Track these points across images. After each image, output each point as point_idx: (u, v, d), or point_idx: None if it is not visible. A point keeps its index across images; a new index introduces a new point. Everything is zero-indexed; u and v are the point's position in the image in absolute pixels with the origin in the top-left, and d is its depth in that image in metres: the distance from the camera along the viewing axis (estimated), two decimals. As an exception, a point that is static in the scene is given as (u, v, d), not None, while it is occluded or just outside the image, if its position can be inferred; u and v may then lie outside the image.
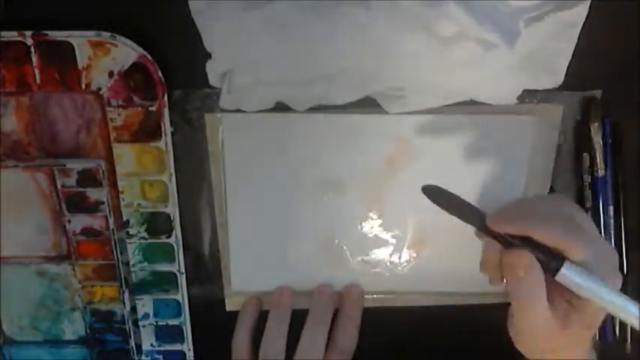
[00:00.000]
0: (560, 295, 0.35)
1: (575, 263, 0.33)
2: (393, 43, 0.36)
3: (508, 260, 0.35)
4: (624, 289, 0.43)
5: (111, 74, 0.38)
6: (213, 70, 0.37)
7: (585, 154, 0.41)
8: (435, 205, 0.37)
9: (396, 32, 0.35)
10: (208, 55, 0.37)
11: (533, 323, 0.35)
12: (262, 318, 0.43)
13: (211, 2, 0.35)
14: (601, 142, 0.41)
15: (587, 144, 0.41)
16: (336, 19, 0.35)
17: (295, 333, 0.42)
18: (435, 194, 0.37)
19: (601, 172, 0.41)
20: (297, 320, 0.43)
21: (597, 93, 0.40)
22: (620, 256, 0.43)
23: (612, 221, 0.42)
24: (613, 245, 0.43)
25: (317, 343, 0.40)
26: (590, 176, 0.41)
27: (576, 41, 0.37)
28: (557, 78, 0.38)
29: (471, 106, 0.40)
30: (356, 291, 0.44)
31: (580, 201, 0.42)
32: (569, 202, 0.37)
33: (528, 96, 0.39)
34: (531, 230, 0.34)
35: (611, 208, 0.42)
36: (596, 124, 0.40)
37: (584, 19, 0.36)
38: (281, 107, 0.39)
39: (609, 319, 0.44)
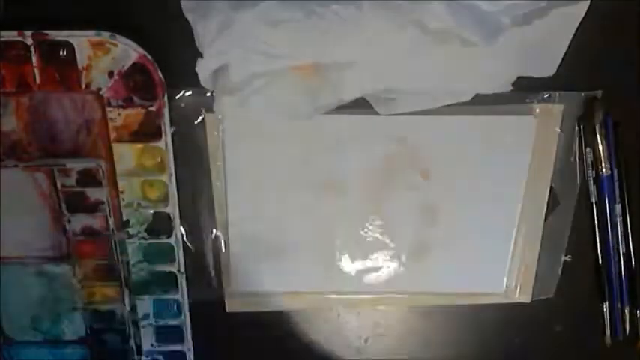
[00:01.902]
0: None
1: None
2: (383, 42, 0.36)
3: None
4: (633, 288, 0.43)
5: (111, 74, 0.38)
6: (203, 70, 0.37)
7: (589, 149, 0.41)
8: (433, 208, 0.39)
9: (385, 31, 0.35)
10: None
11: None
12: (268, 319, 0.43)
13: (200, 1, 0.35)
14: (605, 142, 0.41)
15: (590, 141, 0.41)
16: (327, 18, 0.35)
17: (295, 334, 0.42)
18: None
19: (606, 172, 0.41)
20: (298, 320, 0.43)
21: (597, 93, 0.40)
22: (628, 255, 0.43)
23: (620, 220, 0.42)
24: (621, 244, 0.43)
25: None
26: (594, 171, 0.41)
27: (574, 31, 0.37)
28: (552, 66, 0.38)
29: (470, 106, 0.40)
30: None
31: (585, 197, 0.42)
32: None
33: (529, 96, 0.39)
34: None
35: (619, 206, 0.42)
36: (599, 123, 0.40)
37: (584, 12, 0.36)
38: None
39: (619, 316, 0.44)
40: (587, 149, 0.41)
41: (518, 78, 0.38)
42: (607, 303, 0.44)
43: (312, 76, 0.37)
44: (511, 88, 0.38)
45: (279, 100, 0.38)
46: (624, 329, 0.45)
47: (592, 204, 0.42)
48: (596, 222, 0.43)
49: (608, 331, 0.45)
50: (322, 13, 0.35)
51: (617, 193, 0.42)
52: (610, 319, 0.45)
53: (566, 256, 0.44)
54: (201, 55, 0.37)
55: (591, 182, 0.42)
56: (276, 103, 0.38)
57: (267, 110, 0.39)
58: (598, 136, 0.40)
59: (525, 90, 0.39)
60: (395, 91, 0.38)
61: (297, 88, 0.37)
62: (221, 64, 0.37)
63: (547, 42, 0.37)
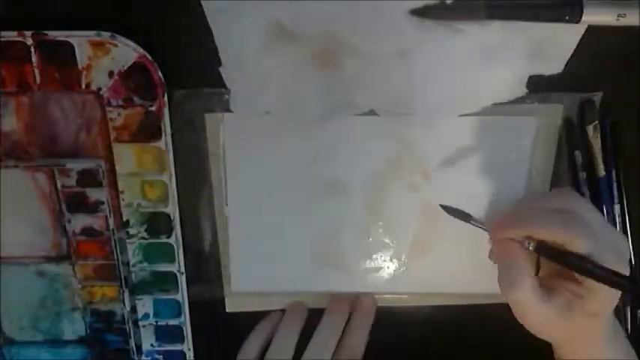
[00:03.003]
0: (563, 287, 0.36)
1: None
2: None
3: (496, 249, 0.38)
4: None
5: (111, 74, 0.38)
6: (227, 75, 0.38)
7: (577, 152, 0.41)
8: (438, 209, 0.41)
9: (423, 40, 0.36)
10: (212, 57, 0.37)
11: (519, 305, 0.36)
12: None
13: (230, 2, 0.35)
14: (600, 143, 0.41)
15: (588, 142, 0.41)
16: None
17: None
18: (450, 210, 0.41)
19: (601, 173, 0.41)
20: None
21: (597, 95, 0.40)
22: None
23: (619, 220, 0.42)
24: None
25: (327, 344, 0.41)
26: (585, 173, 0.41)
27: (583, 32, 0.37)
28: (560, 64, 0.38)
29: (471, 106, 0.40)
30: (368, 300, 0.44)
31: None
32: (571, 194, 0.38)
33: (529, 96, 0.39)
34: (531, 230, 0.35)
35: (618, 207, 0.42)
36: (592, 125, 0.40)
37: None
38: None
39: (623, 315, 0.44)
40: (585, 150, 0.41)
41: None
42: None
43: (330, 67, 0.37)
44: (526, 90, 0.38)
45: (291, 97, 0.38)
46: (625, 329, 0.45)
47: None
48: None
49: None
50: (361, 6, 0.35)
51: (615, 193, 0.42)
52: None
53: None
54: (205, 56, 0.37)
55: (590, 183, 0.42)
56: (288, 101, 0.38)
57: (278, 109, 0.39)
58: (595, 137, 0.40)
59: (526, 91, 0.39)
60: (408, 106, 0.38)
61: (312, 83, 0.38)
62: (243, 56, 0.37)
63: (555, 38, 0.37)
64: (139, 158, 0.40)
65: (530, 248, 0.36)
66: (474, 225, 0.40)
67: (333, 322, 0.42)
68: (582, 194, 0.42)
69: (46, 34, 0.36)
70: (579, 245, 0.34)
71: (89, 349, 0.46)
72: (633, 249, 0.43)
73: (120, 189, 0.41)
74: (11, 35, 0.36)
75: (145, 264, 0.43)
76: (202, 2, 0.36)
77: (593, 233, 0.34)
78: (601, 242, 0.34)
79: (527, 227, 0.36)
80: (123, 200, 0.41)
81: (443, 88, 0.38)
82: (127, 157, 0.40)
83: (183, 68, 0.39)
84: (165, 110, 0.39)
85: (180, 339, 0.45)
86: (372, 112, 0.40)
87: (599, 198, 0.42)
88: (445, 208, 0.41)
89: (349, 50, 0.37)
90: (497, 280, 0.37)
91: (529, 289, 0.35)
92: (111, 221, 0.41)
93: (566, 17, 0.35)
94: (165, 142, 0.39)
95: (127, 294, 0.44)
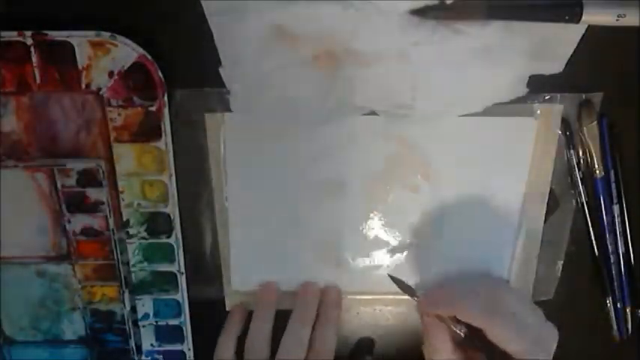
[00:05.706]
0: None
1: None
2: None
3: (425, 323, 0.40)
4: (634, 288, 0.43)
5: (111, 74, 0.38)
6: (227, 75, 0.38)
7: (572, 151, 0.41)
8: (433, 209, 0.41)
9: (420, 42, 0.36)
10: (212, 57, 0.37)
11: None
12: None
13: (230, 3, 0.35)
14: (598, 144, 0.41)
15: (585, 142, 0.41)
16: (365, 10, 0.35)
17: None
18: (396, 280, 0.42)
19: (599, 174, 0.41)
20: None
21: (597, 95, 0.40)
22: (628, 255, 0.43)
23: (618, 220, 0.42)
24: (620, 245, 0.43)
25: (300, 342, 0.40)
26: (579, 171, 0.41)
27: (584, 32, 0.37)
28: (560, 64, 0.38)
29: (471, 106, 0.40)
30: (334, 292, 0.44)
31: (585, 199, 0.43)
32: (493, 280, 0.40)
33: (529, 97, 0.39)
34: (455, 310, 0.37)
35: (617, 207, 0.42)
36: (589, 126, 0.40)
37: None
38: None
39: (622, 316, 0.45)
40: (584, 150, 0.41)
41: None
42: (610, 299, 0.44)
43: (331, 68, 0.37)
44: (526, 90, 0.38)
45: (291, 98, 0.38)
46: (627, 329, 0.45)
47: (587, 204, 0.42)
48: (590, 223, 0.43)
49: (615, 326, 0.45)
50: (361, 7, 0.35)
51: (614, 193, 0.42)
52: (614, 317, 0.45)
53: (562, 261, 0.44)
54: (205, 56, 0.37)
55: (587, 183, 0.42)
56: (288, 102, 0.38)
57: (278, 110, 0.39)
58: (593, 137, 0.40)
59: (527, 91, 0.39)
60: (408, 107, 0.38)
61: (312, 84, 0.38)
62: (242, 59, 0.37)
63: (555, 38, 0.37)
64: (139, 158, 0.40)
65: (462, 334, 0.38)
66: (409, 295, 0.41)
67: (304, 316, 0.42)
68: (580, 194, 0.42)
69: (46, 34, 0.36)
70: (495, 332, 0.35)
71: (89, 349, 0.46)
72: (633, 249, 0.43)
73: (120, 189, 0.41)
74: (11, 35, 0.36)
75: (145, 264, 0.43)
76: (202, 2, 0.36)
77: (508, 320, 0.36)
78: (514, 329, 0.36)
79: (450, 310, 0.37)
80: (123, 200, 0.41)
81: (443, 88, 0.38)
82: (127, 157, 0.40)
83: (183, 68, 0.39)
84: (165, 110, 0.39)
85: (180, 339, 0.45)
86: (372, 112, 0.40)
87: (597, 198, 0.42)
88: (393, 278, 0.42)
89: (349, 51, 0.37)
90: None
91: None
92: (111, 221, 0.41)
93: (566, 17, 0.35)
94: (165, 142, 0.39)
95: (127, 294, 0.44)
